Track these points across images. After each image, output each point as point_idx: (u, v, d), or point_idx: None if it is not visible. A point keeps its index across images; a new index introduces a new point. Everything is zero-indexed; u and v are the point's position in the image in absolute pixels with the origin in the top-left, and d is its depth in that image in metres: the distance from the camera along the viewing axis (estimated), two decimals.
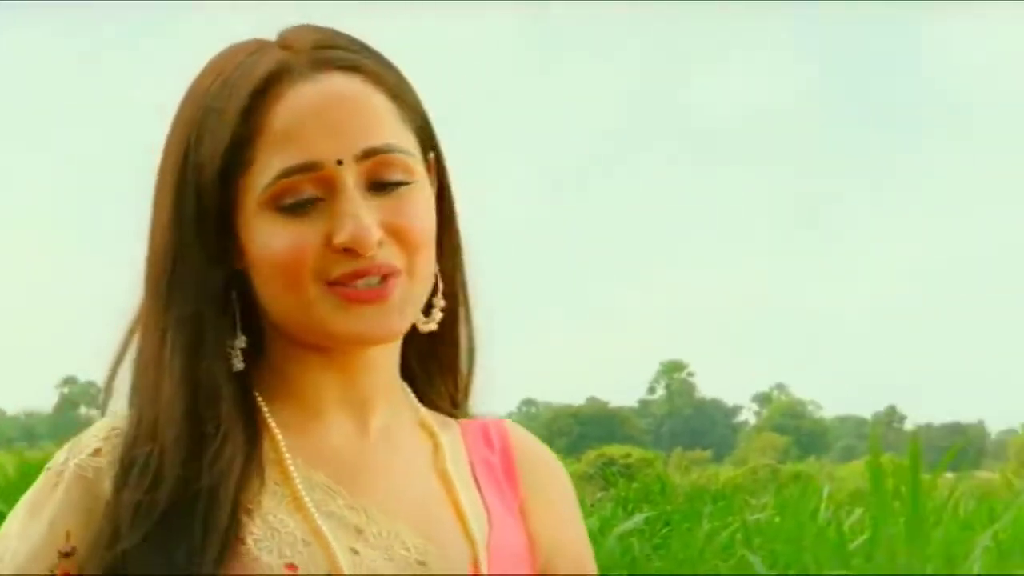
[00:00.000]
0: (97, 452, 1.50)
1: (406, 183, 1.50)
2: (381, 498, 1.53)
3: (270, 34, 1.55)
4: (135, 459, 1.47)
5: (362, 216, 1.46)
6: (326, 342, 1.52)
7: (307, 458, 1.53)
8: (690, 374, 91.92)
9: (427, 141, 1.56)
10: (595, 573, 1.64)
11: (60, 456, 1.53)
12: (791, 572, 6.60)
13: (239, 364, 1.52)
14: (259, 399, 1.54)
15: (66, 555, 1.48)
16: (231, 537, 1.45)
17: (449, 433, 1.62)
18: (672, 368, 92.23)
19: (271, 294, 1.50)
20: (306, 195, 1.47)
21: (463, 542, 1.53)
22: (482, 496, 1.58)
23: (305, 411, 1.56)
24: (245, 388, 1.53)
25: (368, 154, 1.48)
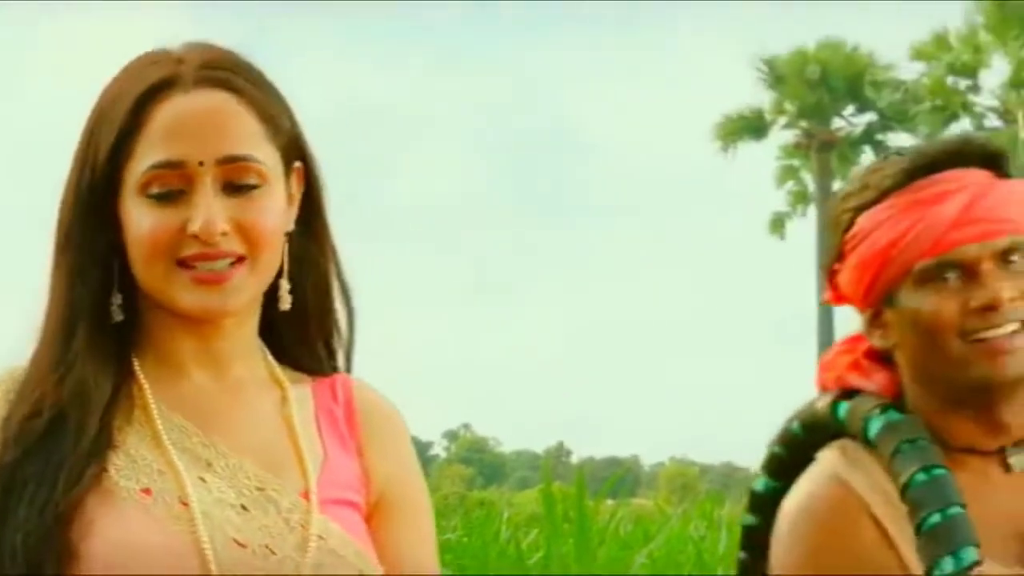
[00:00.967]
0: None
1: (257, 187, 1.63)
2: (230, 437, 1.64)
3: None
4: (24, 389, 1.62)
5: (212, 210, 1.60)
6: (178, 313, 1.64)
7: (169, 404, 1.65)
8: None
9: (293, 153, 1.70)
10: (428, 506, 1.78)
11: None
12: None
13: (118, 315, 1.66)
14: (133, 355, 1.67)
15: None
16: (92, 461, 1.57)
17: (299, 387, 1.72)
18: None
19: (138, 267, 1.63)
20: (171, 187, 1.61)
21: (298, 474, 1.65)
22: (321, 438, 1.70)
23: (169, 366, 1.68)
24: (122, 344, 1.66)
25: (226, 160, 1.61)
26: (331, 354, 1.78)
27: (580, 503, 6.21)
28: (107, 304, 1.65)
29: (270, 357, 1.74)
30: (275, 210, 1.65)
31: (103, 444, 1.60)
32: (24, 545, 1.54)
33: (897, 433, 2.01)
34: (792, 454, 2.13)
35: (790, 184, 35.48)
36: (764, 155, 42.60)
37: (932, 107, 33.06)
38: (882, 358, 2.07)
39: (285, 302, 1.71)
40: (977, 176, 1.99)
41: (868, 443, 2.04)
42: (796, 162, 35.44)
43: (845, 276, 2.04)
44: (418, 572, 1.70)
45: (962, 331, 1.95)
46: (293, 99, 1.73)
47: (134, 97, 1.62)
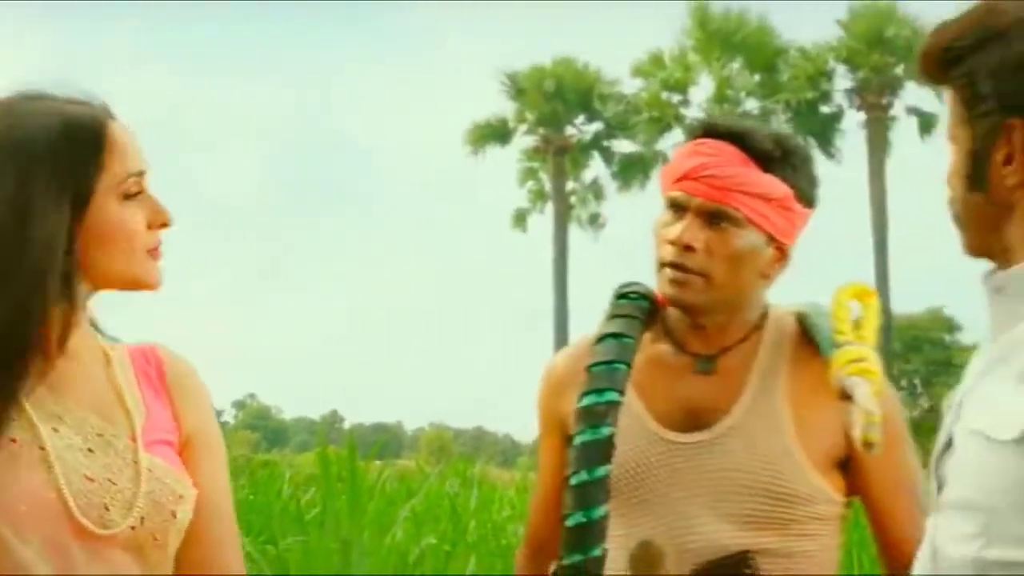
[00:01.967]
0: None
1: None
2: (74, 396, 1.80)
3: None
4: None
5: (165, 206, 1.83)
6: (131, 287, 1.82)
7: (43, 381, 1.79)
8: None
9: None
10: (222, 445, 1.92)
11: None
12: (262, 539, 6.62)
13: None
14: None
15: None
16: None
17: (119, 353, 1.88)
18: None
19: (115, 254, 1.79)
20: (135, 189, 1.79)
21: (126, 422, 1.82)
22: (142, 394, 1.86)
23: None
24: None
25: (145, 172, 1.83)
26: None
27: (352, 464, 6.22)
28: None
29: (96, 331, 1.88)
30: None
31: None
32: None
33: (621, 308, 2.23)
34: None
35: (530, 184, 35.80)
36: (508, 158, 43.00)
37: (649, 118, 33.73)
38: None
39: None
40: (729, 152, 2.17)
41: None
42: (535, 164, 35.77)
43: None
44: (215, 495, 1.86)
45: (661, 255, 2.22)
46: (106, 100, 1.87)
47: (99, 125, 1.78)
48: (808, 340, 2.21)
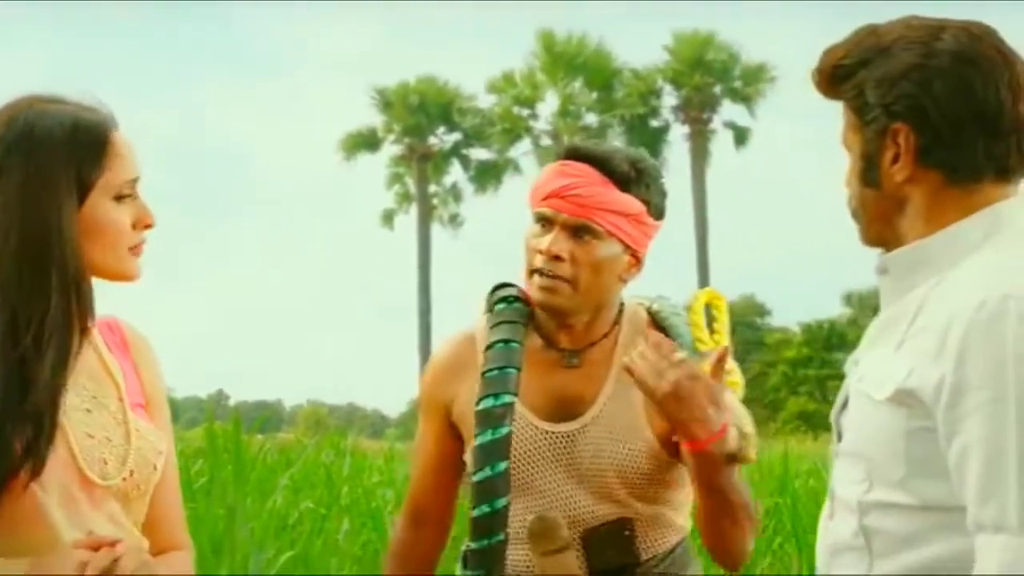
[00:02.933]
0: None
1: None
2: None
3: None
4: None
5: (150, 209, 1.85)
6: (111, 278, 1.83)
7: None
8: None
9: None
10: (168, 413, 1.94)
11: None
12: None
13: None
14: None
15: None
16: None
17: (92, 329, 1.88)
18: None
19: (104, 249, 1.80)
20: (128, 192, 1.81)
21: (113, 385, 1.85)
22: (116, 360, 1.88)
23: None
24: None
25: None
26: None
27: (236, 438, 6.15)
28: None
29: None
30: None
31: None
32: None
33: (503, 315, 2.28)
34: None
35: (397, 187, 35.71)
36: (377, 164, 42.82)
37: (502, 129, 33.87)
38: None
39: None
40: (591, 174, 2.20)
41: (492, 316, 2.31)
42: (401, 170, 35.68)
43: None
44: (170, 453, 1.90)
45: (531, 264, 2.25)
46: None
47: (101, 132, 1.80)
48: (659, 331, 2.27)
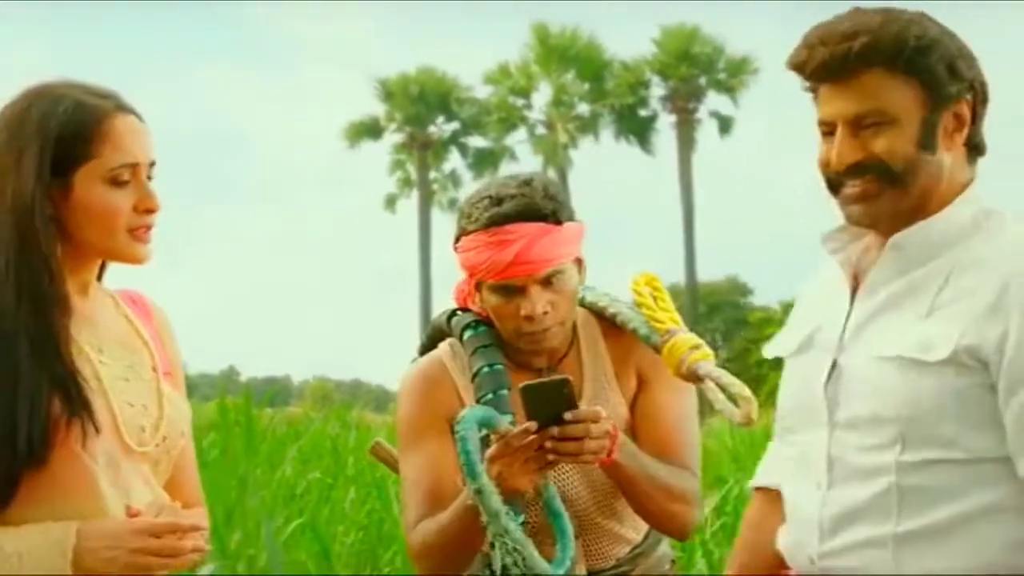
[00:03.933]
0: None
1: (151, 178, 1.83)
2: (103, 332, 1.83)
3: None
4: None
5: (155, 194, 1.80)
6: (115, 260, 1.83)
7: (75, 317, 1.79)
8: None
9: None
10: (183, 380, 1.95)
11: None
12: None
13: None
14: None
15: None
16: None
17: (116, 296, 1.91)
18: None
19: (95, 230, 1.77)
20: (125, 178, 1.77)
21: (145, 354, 1.86)
22: (145, 328, 1.89)
23: (71, 292, 1.80)
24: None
25: (150, 164, 1.81)
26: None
27: (247, 411, 6.17)
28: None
29: (102, 284, 1.91)
30: None
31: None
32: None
33: (478, 340, 2.26)
34: (430, 348, 2.36)
35: (399, 173, 35.61)
36: (380, 151, 42.74)
37: (499, 119, 33.75)
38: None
39: None
40: (531, 228, 2.16)
41: (462, 343, 2.28)
42: (403, 157, 35.57)
43: (459, 259, 2.25)
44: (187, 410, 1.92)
45: (516, 328, 2.21)
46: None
47: (98, 117, 1.76)
48: (610, 325, 2.29)
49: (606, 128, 33.49)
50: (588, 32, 33.49)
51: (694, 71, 33.09)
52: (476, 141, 35.23)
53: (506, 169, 34.57)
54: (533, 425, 2.04)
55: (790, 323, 1.89)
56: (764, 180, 65.39)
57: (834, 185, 1.71)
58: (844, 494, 1.66)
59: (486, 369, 2.22)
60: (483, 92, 34.86)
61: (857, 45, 1.65)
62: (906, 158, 1.66)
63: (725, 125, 33.00)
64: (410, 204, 35.31)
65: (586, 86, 33.72)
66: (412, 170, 35.45)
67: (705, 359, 2.14)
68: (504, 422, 2.12)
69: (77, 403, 1.72)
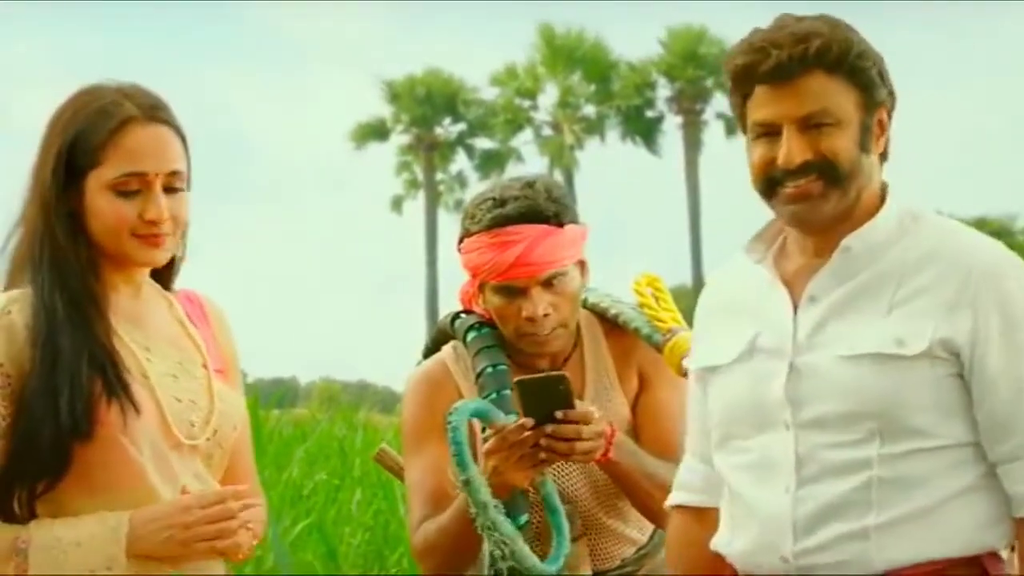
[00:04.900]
0: (7, 312, 1.79)
1: (181, 190, 1.84)
2: (154, 331, 1.87)
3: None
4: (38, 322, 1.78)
5: (162, 205, 1.80)
6: (124, 264, 1.85)
7: (122, 318, 1.84)
8: None
9: (189, 161, 1.87)
10: (240, 376, 1.98)
11: None
12: None
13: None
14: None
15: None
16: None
17: (172, 297, 1.94)
18: None
19: (102, 234, 1.81)
20: (133, 187, 1.80)
21: (195, 352, 1.90)
22: (197, 329, 1.93)
23: (120, 293, 1.86)
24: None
25: (170, 173, 1.82)
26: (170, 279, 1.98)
27: (255, 412, 6.18)
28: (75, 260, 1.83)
29: (155, 283, 1.94)
30: (188, 203, 1.86)
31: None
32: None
33: (482, 342, 2.26)
34: (435, 350, 2.37)
35: (405, 175, 35.67)
36: (387, 153, 42.72)
37: (505, 120, 33.82)
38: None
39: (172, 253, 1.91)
40: (534, 230, 2.17)
41: (465, 345, 2.28)
42: (409, 158, 35.63)
43: (462, 259, 2.25)
44: (244, 414, 1.95)
45: (517, 329, 2.21)
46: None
47: (112, 124, 1.79)
48: (612, 326, 2.30)
49: (612, 129, 33.56)
50: (594, 33, 33.57)
51: (700, 72, 33.11)
52: (482, 142, 35.32)
53: (512, 170, 34.58)
54: (529, 421, 2.05)
55: (706, 335, 1.86)
56: None
57: (772, 186, 1.72)
58: (819, 491, 1.66)
59: (490, 370, 2.23)
60: (489, 93, 34.95)
61: (812, 48, 1.68)
62: (851, 159, 1.71)
63: (731, 127, 32.98)
64: (416, 205, 35.39)
65: (592, 87, 33.76)
66: (418, 171, 35.50)
67: None
68: (500, 416, 2.12)
69: (116, 385, 1.76)
